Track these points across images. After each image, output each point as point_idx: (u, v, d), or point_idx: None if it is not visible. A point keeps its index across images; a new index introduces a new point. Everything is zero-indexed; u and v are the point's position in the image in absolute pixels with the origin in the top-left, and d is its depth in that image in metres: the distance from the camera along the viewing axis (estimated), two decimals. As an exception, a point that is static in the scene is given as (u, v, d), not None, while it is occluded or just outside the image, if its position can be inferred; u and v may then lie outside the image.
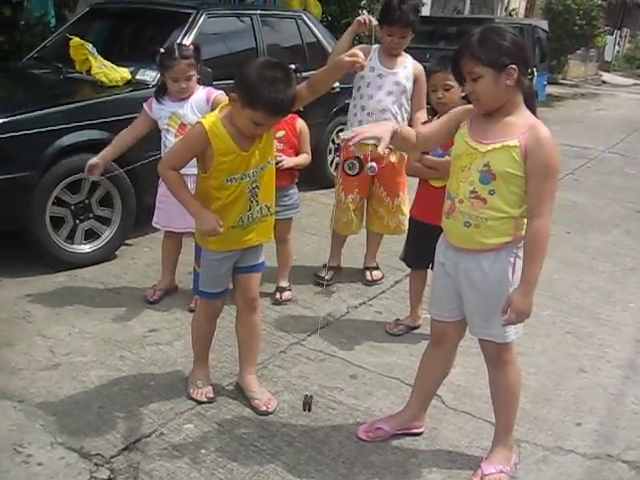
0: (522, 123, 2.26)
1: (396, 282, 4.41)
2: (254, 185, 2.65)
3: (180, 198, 2.62)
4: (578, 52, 21.56)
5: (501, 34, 2.24)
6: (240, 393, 3.00)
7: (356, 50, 2.58)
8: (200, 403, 2.91)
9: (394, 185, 4.12)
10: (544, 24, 12.60)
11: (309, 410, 2.72)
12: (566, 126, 11.78)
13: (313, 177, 6.04)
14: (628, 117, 14.00)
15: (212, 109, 3.26)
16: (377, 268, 4.47)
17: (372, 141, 2.33)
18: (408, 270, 3.83)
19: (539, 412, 3.04)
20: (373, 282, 4.38)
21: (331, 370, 3.30)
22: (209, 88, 3.72)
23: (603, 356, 3.62)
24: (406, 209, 4.05)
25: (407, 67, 3.97)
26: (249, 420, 2.84)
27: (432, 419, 2.91)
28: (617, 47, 34.22)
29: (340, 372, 3.28)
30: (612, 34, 27.60)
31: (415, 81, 3.97)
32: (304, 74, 4.92)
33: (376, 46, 3.96)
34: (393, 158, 4.02)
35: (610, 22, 25.56)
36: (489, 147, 2.27)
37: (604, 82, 23.77)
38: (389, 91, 3.93)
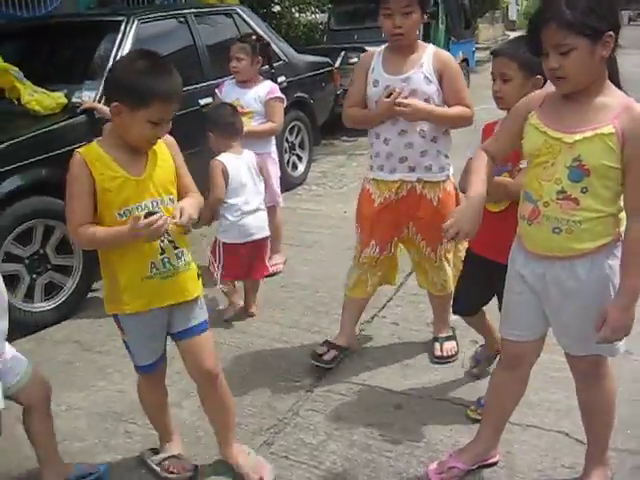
0: (615, 103, 1.87)
1: (400, 284, 4.00)
2: None
3: (110, 240, 2.13)
4: (486, 15, 21.78)
5: None
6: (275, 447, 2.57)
7: None
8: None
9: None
10: (468, -9, 12.44)
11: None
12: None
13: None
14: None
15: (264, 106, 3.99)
16: (451, 338, 3.29)
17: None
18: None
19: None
20: (444, 359, 3.19)
21: (371, 403, 2.89)
22: (274, 86, 4.13)
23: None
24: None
25: (424, 64, 2.87)
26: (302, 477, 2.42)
27: (501, 442, 2.54)
28: (517, 6, 34.97)
29: (382, 403, 2.88)
30: (513, -7, 28.14)
31: (441, 77, 2.88)
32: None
33: (381, 47, 3.00)
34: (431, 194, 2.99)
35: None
36: (577, 137, 1.87)
37: (513, 41, 24.07)
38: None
